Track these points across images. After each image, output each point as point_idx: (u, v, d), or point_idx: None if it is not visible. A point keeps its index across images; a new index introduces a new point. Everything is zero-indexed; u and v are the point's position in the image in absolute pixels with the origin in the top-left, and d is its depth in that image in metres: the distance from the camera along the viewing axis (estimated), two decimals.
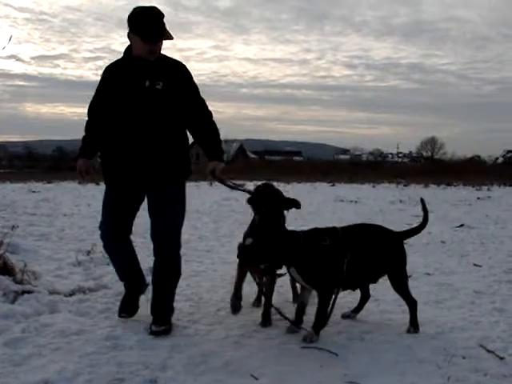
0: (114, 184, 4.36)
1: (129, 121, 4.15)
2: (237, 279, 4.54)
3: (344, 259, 4.16)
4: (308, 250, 4.12)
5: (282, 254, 4.12)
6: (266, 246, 4.08)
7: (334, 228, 4.34)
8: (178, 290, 5.55)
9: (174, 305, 4.45)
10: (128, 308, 4.54)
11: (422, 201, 4.86)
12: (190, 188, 19.66)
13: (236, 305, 4.47)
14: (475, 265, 7.18)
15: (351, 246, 4.22)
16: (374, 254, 4.34)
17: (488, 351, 3.92)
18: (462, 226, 11.26)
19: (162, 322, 4.23)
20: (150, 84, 4.12)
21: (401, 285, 4.45)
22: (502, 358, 3.79)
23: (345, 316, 4.68)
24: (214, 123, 4.34)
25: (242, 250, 4.14)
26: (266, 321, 4.47)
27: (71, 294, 5.20)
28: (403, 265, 4.48)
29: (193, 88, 4.28)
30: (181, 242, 4.37)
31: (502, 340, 4.16)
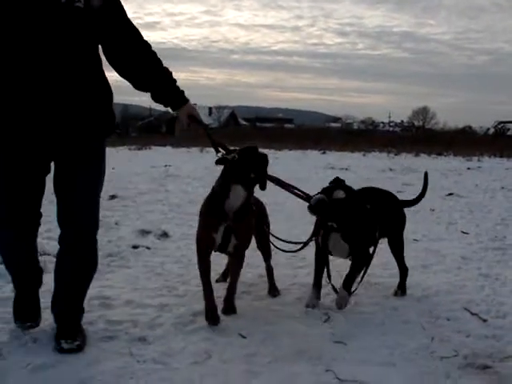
0: (4, 144, 3.07)
1: (33, 49, 2.89)
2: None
3: (377, 225, 4.19)
4: (361, 214, 4.02)
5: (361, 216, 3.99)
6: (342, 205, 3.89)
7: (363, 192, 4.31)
8: (167, 252, 5.65)
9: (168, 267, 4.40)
10: (25, 313, 3.46)
11: (425, 175, 4.86)
12: (182, 153, 19.61)
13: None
14: (463, 232, 7.26)
15: (380, 211, 4.24)
16: (385, 218, 4.37)
17: (472, 314, 3.99)
18: (451, 194, 11.31)
19: (74, 336, 3.21)
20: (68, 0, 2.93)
21: (400, 249, 4.55)
22: (485, 321, 3.87)
23: None
24: (157, 56, 3.31)
25: (319, 202, 3.85)
26: (230, 307, 3.93)
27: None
28: (403, 230, 4.59)
29: (123, 11, 3.19)
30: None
31: (486, 303, 4.24)
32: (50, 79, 2.92)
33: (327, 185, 4.03)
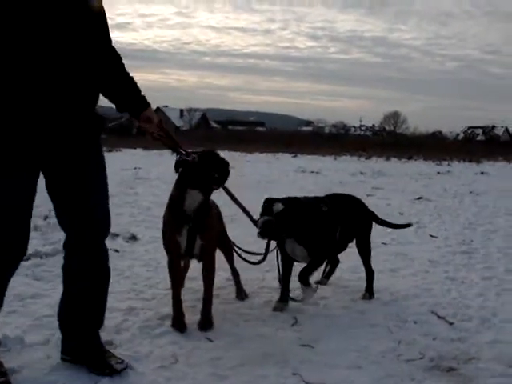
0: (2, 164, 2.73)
1: (30, 50, 2.66)
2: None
3: (338, 226, 4.23)
4: (310, 218, 4.05)
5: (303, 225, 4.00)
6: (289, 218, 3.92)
7: (322, 197, 4.40)
8: (135, 255, 5.61)
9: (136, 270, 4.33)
10: None
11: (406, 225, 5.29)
12: (152, 156, 19.42)
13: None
14: (431, 236, 7.33)
15: (340, 213, 4.29)
16: (352, 222, 4.43)
17: (439, 317, 4.03)
18: (420, 198, 11.42)
19: (113, 358, 3.05)
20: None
21: (366, 251, 4.60)
22: (451, 324, 3.91)
23: (317, 283, 4.71)
24: (125, 68, 3.17)
25: (265, 224, 3.88)
26: (208, 322, 3.75)
27: (28, 259, 5.13)
28: (369, 233, 4.64)
29: (106, 22, 3.02)
30: None
31: (453, 307, 4.29)
32: (51, 80, 2.71)
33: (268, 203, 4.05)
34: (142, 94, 3.25)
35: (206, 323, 3.72)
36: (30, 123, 2.70)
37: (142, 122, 3.29)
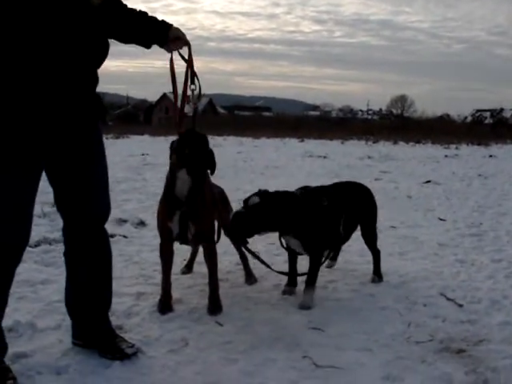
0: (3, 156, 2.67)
1: (31, 38, 2.60)
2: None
3: (340, 219, 4.14)
4: (308, 212, 3.92)
5: (283, 220, 3.84)
6: (266, 212, 3.75)
7: (325, 186, 4.32)
8: (144, 241, 5.63)
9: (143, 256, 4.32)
10: None
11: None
12: (159, 142, 19.51)
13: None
14: (440, 219, 7.31)
15: (344, 204, 4.21)
16: (357, 209, 4.37)
17: (448, 299, 4.03)
18: (428, 182, 11.38)
19: (124, 342, 3.08)
20: None
21: (372, 238, 4.56)
22: (460, 306, 3.90)
23: (326, 267, 4.68)
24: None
25: (237, 218, 3.74)
26: (217, 306, 3.75)
27: (37, 245, 5.18)
28: (375, 221, 4.58)
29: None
30: None
31: (462, 289, 4.28)
32: (49, 61, 2.63)
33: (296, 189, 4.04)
34: (160, 19, 3.14)
35: (214, 308, 3.71)
36: (30, 108, 2.65)
37: (171, 45, 3.18)
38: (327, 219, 4.01)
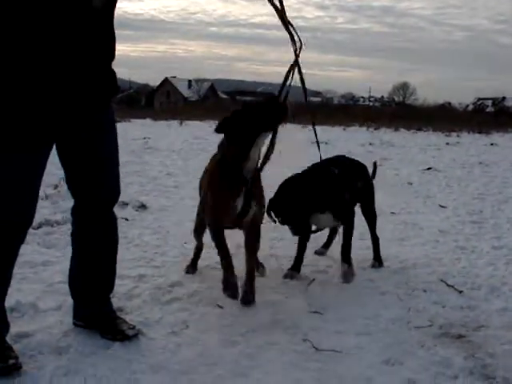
0: (13, 135, 2.63)
1: (45, 18, 2.54)
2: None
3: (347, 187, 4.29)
4: (343, 185, 4.12)
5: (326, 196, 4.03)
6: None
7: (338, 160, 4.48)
8: (145, 224, 5.64)
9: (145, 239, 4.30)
10: None
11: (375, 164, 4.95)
12: (161, 126, 19.45)
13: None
14: (440, 206, 7.31)
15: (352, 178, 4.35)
16: (359, 186, 4.43)
17: (448, 285, 4.04)
18: (429, 169, 11.38)
19: (125, 324, 3.10)
20: None
21: (373, 217, 4.63)
22: (460, 292, 3.91)
23: (317, 252, 4.75)
24: None
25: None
26: (252, 297, 3.60)
27: (39, 227, 5.19)
28: (374, 198, 4.64)
29: None
30: None
31: (462, 275, 4.29)
32: (63, 35, 2.58)
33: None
34: None
35: (248, 297, 3.57)
36: (44, 82, 2.61)
37: None
38: (352, 190, 4.23)
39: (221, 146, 3.49)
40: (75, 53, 2.63)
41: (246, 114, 3.33)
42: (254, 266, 3.73)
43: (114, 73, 2.92)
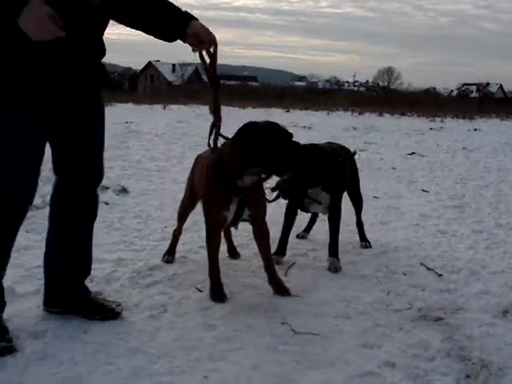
0: (22, 92, 2.65)
1: None
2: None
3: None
4: (336, 163, 4.13)
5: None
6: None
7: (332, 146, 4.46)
8: (126, 208, 5.61)
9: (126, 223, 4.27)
10: None
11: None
12: (144, 110, 19.31)
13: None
14: (423, 190, 7.34)
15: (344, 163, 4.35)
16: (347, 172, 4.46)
17: (428, 269, 4.05)
18: (413, 153, 11.41)
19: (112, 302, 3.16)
20: None
21: (360, 200, 4.73)
22: (440, 275, 3.93)
23: (299, 236, 4.75)
24: None
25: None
26: (284, 287, 3.56)
27: None
28: (359, 181, 4.71)
29: None
30: None
31: (443, 259, 4.31)
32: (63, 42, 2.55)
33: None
34: (183, 10, 2.97)
35: (283, 288, 3.54)
36: (42, 63, 2.64)
37: (193, 43, 2.99)
38: (344, 172, 4.28)
39: (222, 149, 3.38)
40: (71, 45, 2.66)
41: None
42: (272, 263, 3.65)
43: (103, 66, 2.98)
